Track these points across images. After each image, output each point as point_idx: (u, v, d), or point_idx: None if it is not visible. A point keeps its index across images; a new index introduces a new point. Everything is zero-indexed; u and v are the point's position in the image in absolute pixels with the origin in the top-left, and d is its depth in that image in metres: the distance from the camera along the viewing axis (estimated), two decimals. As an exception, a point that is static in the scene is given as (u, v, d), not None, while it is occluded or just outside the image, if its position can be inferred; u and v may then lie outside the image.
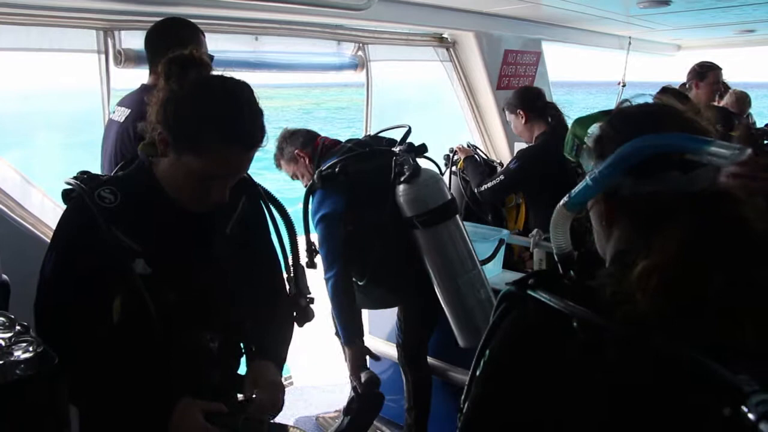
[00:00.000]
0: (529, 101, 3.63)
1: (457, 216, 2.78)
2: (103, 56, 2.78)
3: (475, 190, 3.64)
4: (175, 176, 1.56)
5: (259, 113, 1.56)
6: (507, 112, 3.70)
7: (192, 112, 1.49)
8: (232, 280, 1.75)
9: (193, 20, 2.70)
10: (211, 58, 2.59)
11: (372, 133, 3.12)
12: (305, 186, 2.89)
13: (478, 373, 1.04)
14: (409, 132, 2.92)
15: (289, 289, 1.98)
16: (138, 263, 1.51)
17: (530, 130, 3.60)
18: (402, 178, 2.66)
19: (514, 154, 3.77)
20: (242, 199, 1.75)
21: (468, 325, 2.78)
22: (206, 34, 2.88)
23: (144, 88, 2.53)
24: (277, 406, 1.73)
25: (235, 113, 1.50)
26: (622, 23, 5.04)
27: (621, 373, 0.90)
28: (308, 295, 2.00)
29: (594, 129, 1.12)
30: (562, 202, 1.14)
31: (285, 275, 1.99)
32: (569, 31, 5.13)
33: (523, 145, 3.78)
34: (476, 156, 3.91)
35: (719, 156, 0.95)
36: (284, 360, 1.89)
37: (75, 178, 1.59)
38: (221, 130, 1.48)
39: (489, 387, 1.04)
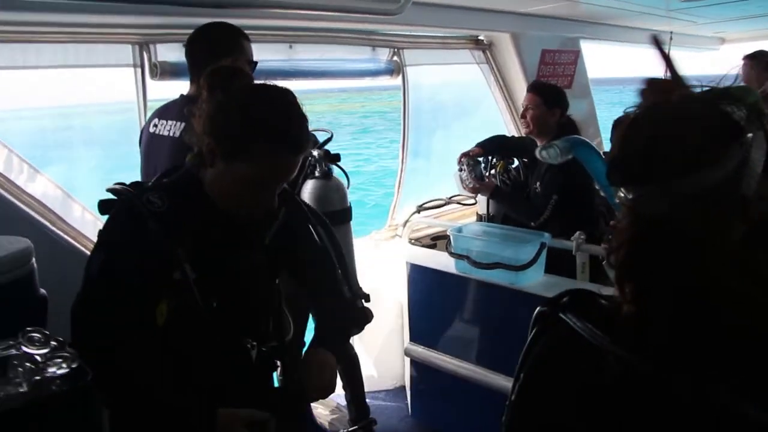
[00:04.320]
0: (566, 106, 3.50)
1: (350, 224, 2.96)
2: (139, 70, 2.80)
3: (533, 224, 3.42)
4: (222, 185, 1.58)
5: (304, 118, 1.59)
6: (534, 97, 3.46)
7: (241, 120, 1.51)
8: (272, 291, 1.78)
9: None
10: (255, 64, 2.59)
11: None
12: None
13: (513, 398, 1.00)
14: (330, 138, 3.03)
15: (344, 292, 1.98)
16: (186, 268, 1.52)
17: (549, 130, 3.43)
18: (315, 175, 2.83)
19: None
20: (282, 209, 1.75)
21: None
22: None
23: (187, 99, 2.50)
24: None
25: (283, 119, 1.54)
26: (662, 18, 4.91)
27: (646, 411, 0.85)
28: (362, 297, 2.00)
29: None
30: None
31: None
32: (608, 28, 5.02)
33: None
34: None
35: None
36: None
37: (118, 184, 1.61)
38: (272, 137, 1.51)
39: (520, 415, 1.01)
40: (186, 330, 1.54)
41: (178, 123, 2.39)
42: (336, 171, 2.98)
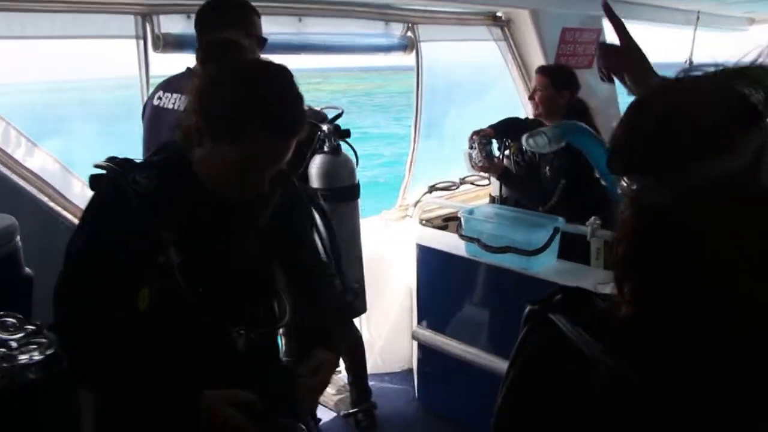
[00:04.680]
0: (576, 89, 3.39)
1: (358, 201, 2.97)
2: (141, 42, 2.71)
3: (540, 209, 3.35)
4: (211, 166, 1.49)
5: (300, 98, 1.48)
6: (543, 78, 3.38)
7: (230, 99, 1.41)
8: (266, 275, 1.69)
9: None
10: (264, 41, 2.51)
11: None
12: None
13: (502, 397, 0.94)
14: (340, 114, 3.01)
15: (335, 284, 1.91)
16: (170, 251, 1.44)
17: (557, 112, 3.34)
18: (324, 150, 2.82)
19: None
20: (278, 192, 1.66)
21: None
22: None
23: (191, 72, 2.45)
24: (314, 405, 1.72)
25: (275, 99, 1.43)
26: (689, -5, 4.75)
27: (636, 419, 0.79)
28: (355, 287, 1.92)
29: None
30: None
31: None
32: (632, 7, 4.84)
33: None
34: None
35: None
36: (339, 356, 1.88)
37: (107, 160, 1.53)
38: (261, 118, 1.40)
39: (510, 414, 0.94)
40: (169, 315, 1.46)
41: (184, 96, 2.31)
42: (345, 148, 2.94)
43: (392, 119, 23.91)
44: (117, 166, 1.48)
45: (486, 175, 3.78)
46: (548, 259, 2.98)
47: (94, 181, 1.53)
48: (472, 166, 3.54)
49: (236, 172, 1.47)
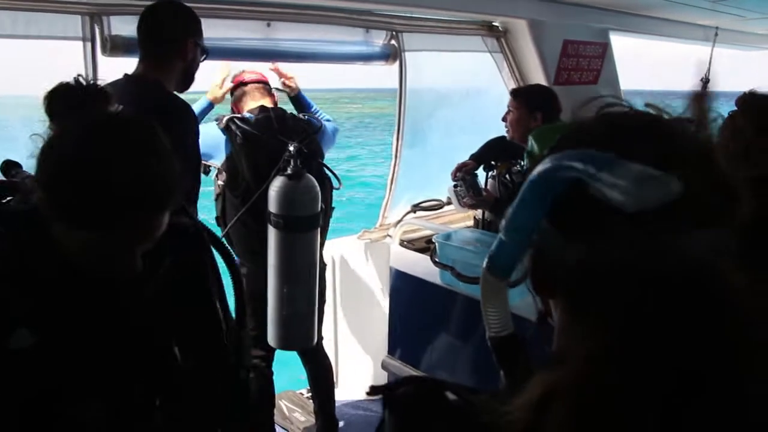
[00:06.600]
0: (554, 111, 3.14)
1: (316, 231, 2.72)
2: (89, 44, 2.51)
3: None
4: (71, 246, 1.19)
5: (168, 161, 1.17)
6: (516, 101, 3.17)
7: (75, 171, 1.10)
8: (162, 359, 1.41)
9: (196, 5, 2.43)
10: (206, 52, 2.34)
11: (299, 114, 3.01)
12: None
13: None
14: (316, 131, 2.84)
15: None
16: (20, 333, 1.16)
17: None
18: (285, 173, 2.60)
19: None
20: (166, 259, 1.34)
21: (279, 329, 2.76)
22: (209, 20, 2.62)
23: (127, 80, 2.27)
24: None
25: (134, 169, 1.12)
26: (706, 11, 4.46)
27: None
28: (249, 365, 1.65)
29: None
30: (484, 264, 0.78)
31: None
32: (642, 20, 4.58)
33: None
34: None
35: (611, 189, 0.58)
36: None
37: None
38: (118, 195, 1.11)
39: None
40: (13, 404, 1.20)
41: (119, 107, 2.13)
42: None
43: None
44: None
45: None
46: (526, 292, 2.74)
47: None
48: (460, 204, 3.33)
49: (98, 257, 1.20)
